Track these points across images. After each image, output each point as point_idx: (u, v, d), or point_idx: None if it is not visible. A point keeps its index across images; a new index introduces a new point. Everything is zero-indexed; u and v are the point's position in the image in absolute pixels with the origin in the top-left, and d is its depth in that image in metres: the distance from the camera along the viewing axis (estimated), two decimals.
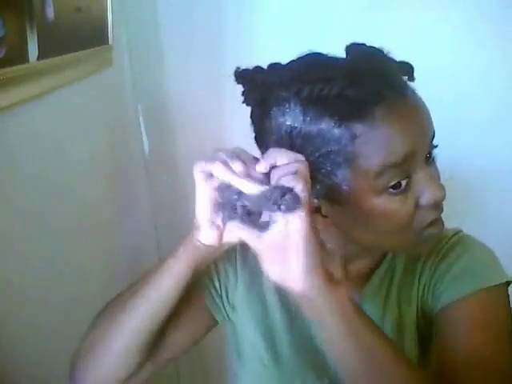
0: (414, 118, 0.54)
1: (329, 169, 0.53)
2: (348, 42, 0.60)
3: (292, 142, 0.53)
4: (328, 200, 0.57)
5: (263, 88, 0.58)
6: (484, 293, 0.61)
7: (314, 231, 0.48)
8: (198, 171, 0.53)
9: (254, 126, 0.61)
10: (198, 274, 0.60)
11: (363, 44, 0.59)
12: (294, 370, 0.69)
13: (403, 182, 0.54)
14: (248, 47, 1.21)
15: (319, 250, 0.49)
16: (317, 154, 0.53)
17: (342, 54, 0.59)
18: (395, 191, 0.54)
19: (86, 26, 0.92)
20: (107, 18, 1.03)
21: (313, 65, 0.56)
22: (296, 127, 0.53)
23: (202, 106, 1.28)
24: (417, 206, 0.56)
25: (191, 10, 1.23)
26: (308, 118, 0.53)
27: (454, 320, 0.61)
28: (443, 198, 0.56)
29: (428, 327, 0.66)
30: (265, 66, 0.61)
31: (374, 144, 0.52)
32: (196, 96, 1.27)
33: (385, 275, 0.69)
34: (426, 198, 0.55)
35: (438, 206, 0.57)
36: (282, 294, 0.69)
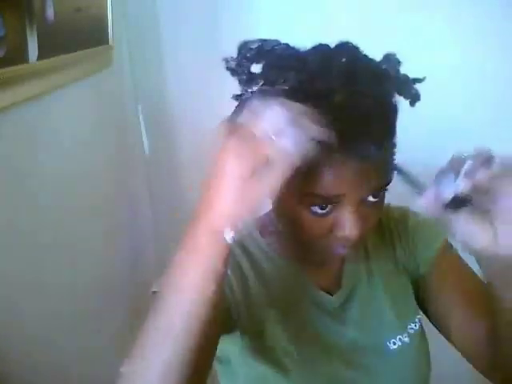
0: (357, 173, 0.54)
1: None
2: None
3: None
4: None
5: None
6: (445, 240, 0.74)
7: None
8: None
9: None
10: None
11: (357, 49, 0.57)
12: (304, 378, 0.69)
13: (328, 207, 0.56)
14: None
15: None
16: None
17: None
18: (316, 211, 0.56)
19: (86, 26, 0.92)
20: (107, 17, 1.03)
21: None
22: None
23: (201, 106, 1.28)
24: (331, 229, 0.58)
25: (191, 10, 1.23)
26: None
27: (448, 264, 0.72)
28: (354, 239, 0.57)
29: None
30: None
31: (311, 173, 0.53)
32: (196, 96, 1.28)
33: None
34: (339, 232, 0.57)
35: (347, 241, 0.58)
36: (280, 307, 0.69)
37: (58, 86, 0.79)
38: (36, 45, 0.66)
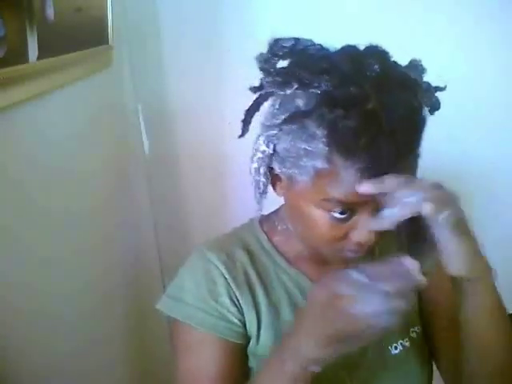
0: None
1: (302, 163, 0.57)
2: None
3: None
4: (288, 179, 0.61)
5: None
6: None
7: None
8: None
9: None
10: None
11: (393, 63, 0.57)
12: None
13: (347, 213, 0.57)
14: (249, 47, 1.21)
15: None
16: (302, 146, 0.56)
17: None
18: (335, 216, 0.57)
19: (86, 26, 0.92)
20: (107, 17, 1.03)
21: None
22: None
23: (202, 106, 1.28)
24: (346, 235, 0.59)
25: (191, 10, 1.23)
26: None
27: None
28: (370, 243, 0.59)
29: None
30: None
31: (335, 179, 0.54)
32: (196, 96, 1.27)
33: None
34: (355, 237, 0.59)
35: (360, 246, 0.60)
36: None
37: (58, 85, 0.79)
38: (36, 45, 0.66)
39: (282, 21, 1.20)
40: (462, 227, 0.54)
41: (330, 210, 0.56)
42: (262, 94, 0.62)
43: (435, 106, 0.59)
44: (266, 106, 0.63)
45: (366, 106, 0.52)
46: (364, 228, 0.57)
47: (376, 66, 0.54)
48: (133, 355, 1.22)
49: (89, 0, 0.93)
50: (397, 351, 0.70)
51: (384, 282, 0.48)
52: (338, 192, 0.54)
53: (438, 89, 0.59)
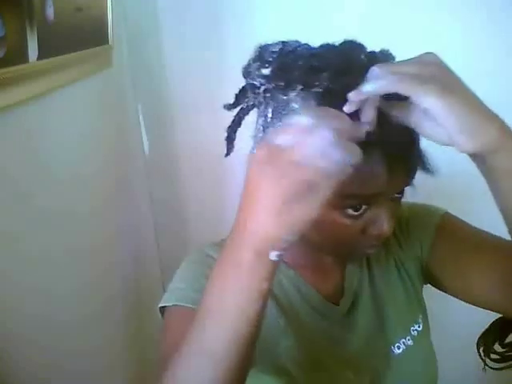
0: (394, 170, 0.54)
1: None
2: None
3: None
4: None
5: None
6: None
7: None
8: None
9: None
10: None
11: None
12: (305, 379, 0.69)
13: (362, 207, 0.55)
14: (249, 47, 1.21)
15: None
16: None
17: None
18: (350, 213, 0.55)
19: (86, 26, 0.92)
20: (107, 17, 1.03)
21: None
22: None
23: (202, 106, 1.28)
24: (363, 230, 0.58)
25: (191, 10, 1.23)
26: None
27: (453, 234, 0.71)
28: (388, 234, 0.58)
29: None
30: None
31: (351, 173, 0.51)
32: (196, 96, 1.28)
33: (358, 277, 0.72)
34: (374, 230, 0.57)
35: (380, 238, 0.59)
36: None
37: (58, 85, 0.79)
38: (36, 45, 0.66)
39: (281, 21, 1.20)
40: (452, 92, 0.47)
41: (345, 208, 0.55)
42: (243, 107, 0.60)
43: None
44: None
45: None
46: (384, 219, 0.56)
47: (363, 57, 0.54)
48: (132, 357, 1.22)
49: (89, 0, 0.93)
50: (400, 351, 0.70)
51: (328, 121, 0.43)
52: (353, 186, 0.50)
53: None
